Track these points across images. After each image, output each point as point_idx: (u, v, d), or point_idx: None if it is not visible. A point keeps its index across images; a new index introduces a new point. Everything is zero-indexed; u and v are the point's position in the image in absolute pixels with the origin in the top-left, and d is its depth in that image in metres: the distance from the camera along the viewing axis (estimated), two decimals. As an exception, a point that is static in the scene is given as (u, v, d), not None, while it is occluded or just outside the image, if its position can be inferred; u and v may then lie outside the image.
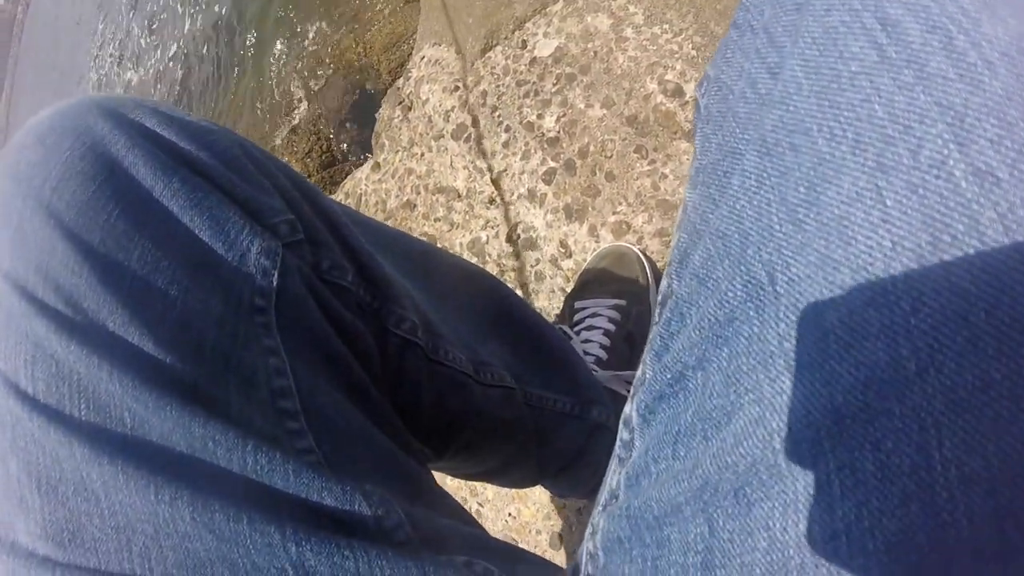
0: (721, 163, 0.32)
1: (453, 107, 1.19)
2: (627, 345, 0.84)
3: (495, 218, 1.05)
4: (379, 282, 0.49)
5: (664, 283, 0.37)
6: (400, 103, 1.32)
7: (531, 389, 0.63)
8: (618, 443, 0.39)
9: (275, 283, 0.38)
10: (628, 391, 0.80)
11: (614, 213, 0.93)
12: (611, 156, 0.95)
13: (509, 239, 1.02)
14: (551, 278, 0.97)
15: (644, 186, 0.91)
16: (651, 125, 0.95)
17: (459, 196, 1.11)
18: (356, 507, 0.36)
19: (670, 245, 0.37)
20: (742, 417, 0.28)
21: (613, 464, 0.39)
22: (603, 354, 0.82)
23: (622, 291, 0.86)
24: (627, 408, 0.38)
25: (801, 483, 0.25)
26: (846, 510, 0.23)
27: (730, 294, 0.30)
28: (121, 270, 0.34)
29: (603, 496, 0.39)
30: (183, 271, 0.35)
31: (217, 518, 0.32)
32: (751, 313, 0.29)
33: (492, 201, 1.06)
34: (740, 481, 0.28)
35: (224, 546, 0.32)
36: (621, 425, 0.38)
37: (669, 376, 0.34)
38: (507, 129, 1.08)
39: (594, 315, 0.85)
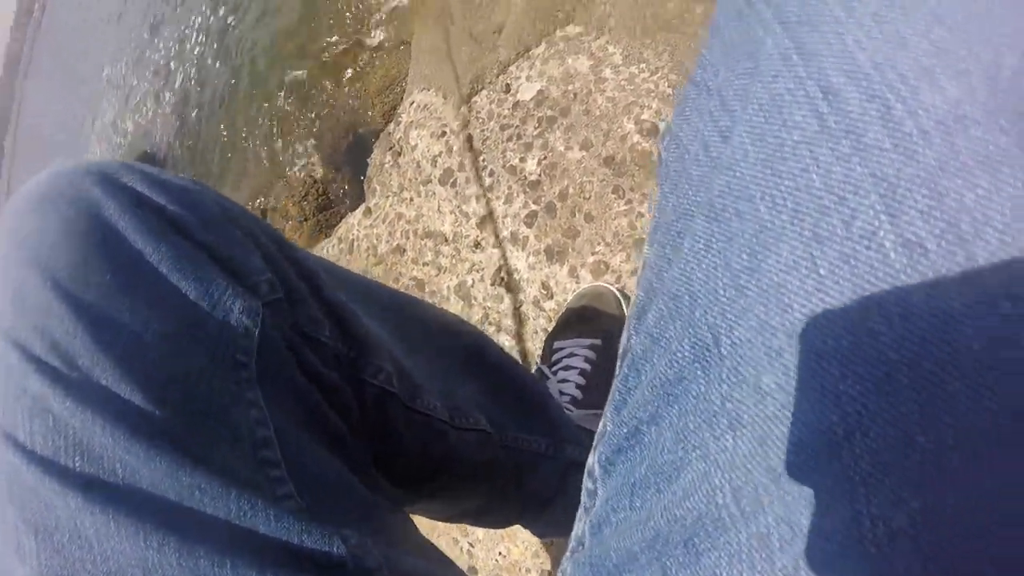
0: (675, 224, 0.33)
1: (440, 152, 1.21)
2: (605, 383, 0.85)
3: (480, 261, 1.07)
4: (355, 334, 0.51)
5: (624, 338, 0.38)
6: (391, 148, 1.35)
7: (507, 431, 0.65)
8: (584, 492, 0.40)
9: (256, 340, 0.41)
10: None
11: (593, 253, 0.94)
12: (589, 197, 0.97)
13: (494, 282, 1.03)
14: (534, 319, 0.98)
15: (621, 226, 0.93)
16: (628, 165, 0.96)
17: (446, 240, 1.13)
18: (335, 549, 0.38)
19: (632, 299, 0.38)
20: (690, 472, 0.29)
21: (580, 512, 0.40)
22: (579, 393, 0.83)
23: (599, 330, 0.87)
24: (590, 459, 0.39)
25: (744, 535, 0.26)
26: (784, 562, 0.24)
27: (679, 354, 0.31)
28: (114, 329, 0.36)
29: (572, 543, 0.40)
30: (171, 329, 0.37)
31: (202, 563, 0.33)
32: (698, 373, 0.30)
33: (477, 245, 1.08)
34: (689, 532, 0.29)
35: None
36: (586, 475, 0.40)
37: (626, 430, 0.35)
38: (491, 173, 1.10)
39: (571, 355, 0.86)
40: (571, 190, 0.99)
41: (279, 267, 0.46)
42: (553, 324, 0.94)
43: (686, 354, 0.31)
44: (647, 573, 0.31)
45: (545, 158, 1.04)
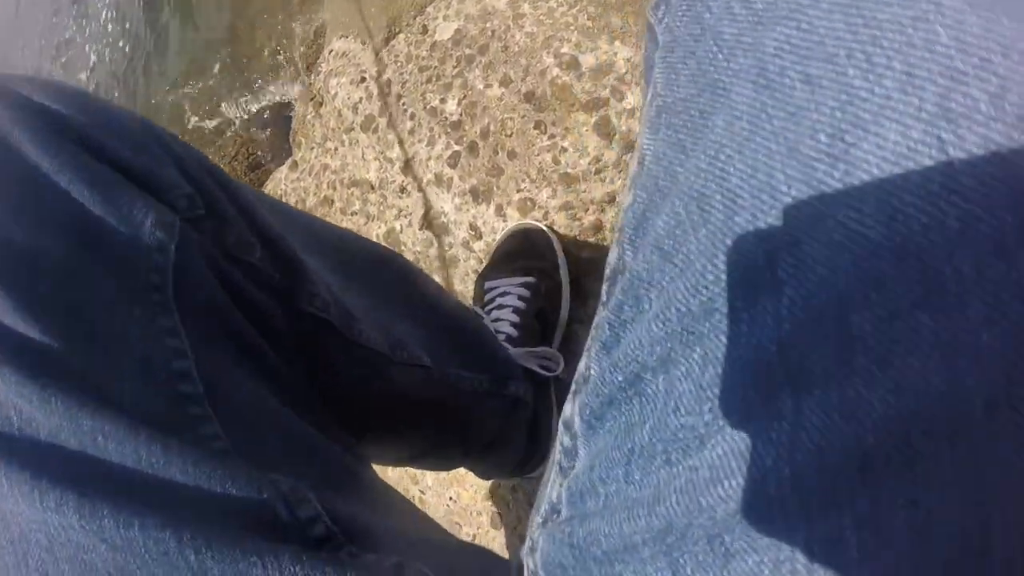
0: (696, 100, 0.26)
1: (361, 99, 1.18)
2: (537, 322, 0.85)
3: (407, 207, 1.05)
4: (289, 260, 0.47)
5: (613, 254, 0.30)
6: (312, 99, 1.31)
7: (447, 368, 0.63)
8: (558, 448, 0.34)
9: (172, 258, 0.36)
10: (542, 367, 0.82)
11: (518, 191, 0.93)
12: (511, 134, 0.95)
13: (422, 226, 1.02)
14: (464, 261, 0.98)
15: (545, 161, 0.92)
16: (548, 99, 0.95)
17: (372, 188, 1.11)
18: (265, 499, 0.33)
19: (621, 205, 0.30)
20: (722, 445, 0.23)
21: (552, 473, 0.35)
22: (514, 331, 0.83)
23: (530, 268, 0.86)
24: (567, 409, 0.34)
25: (802, 538, 0.20)
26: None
27: (708, 276, 0.23)
28: (3, 254, 0.31)
29: (543, 507, 0.35)
30: (71, 251, 0.33)
31: (107, 524, 0.29)
32: (738, 304, 0.22)
33: (403, 190, 1.06)
34: (718, 527, 0.23)
35: (119, 556, 0.29)
36: (561, 427, 0.34)
37: (621, 377, 0.28)
38: (412, 116, 1.07)
39: (503, 293, 0.85)
40: (492, 128, 0.97)
41: (203, 185, 0.41)
42: (483, 265, 0.93)
43: (719, 277, 0.23)
44: (650, 568, 0.25)
45: (465, 97, 1.02)
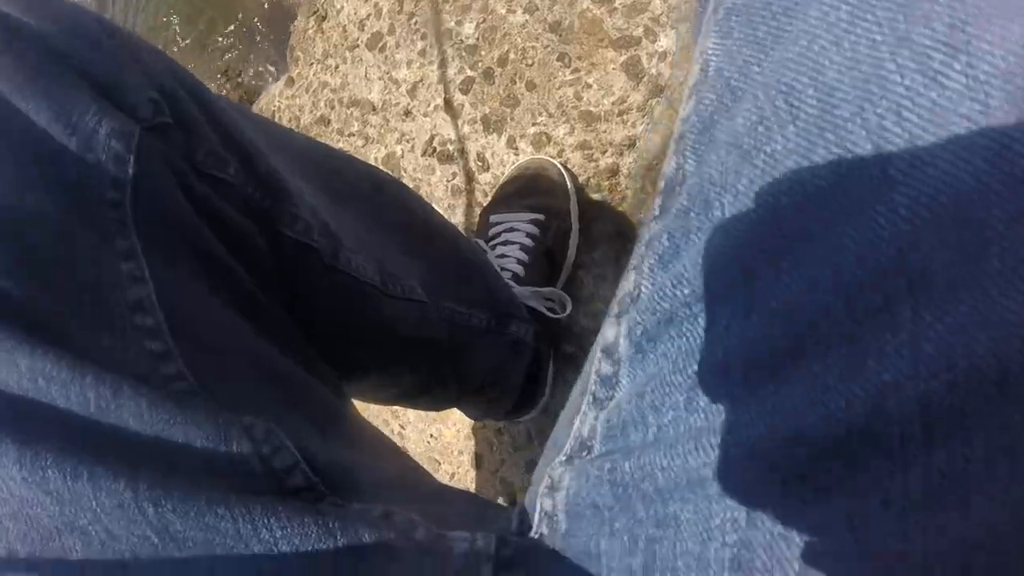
0: None
1: (368, 15, 1.11)
2: (546, 261, 0.81)
3: (411, 131, 0.99)
4: (269, 179, 0.42)
5: (671, 164, 0.28)
6: (314, 13, 1.23)
7: (444, 303, 0.59)
8: (592, 378, 0.31)
9: (131, 172, 0.32)
10: (547, 309, 0.77)
11: (534, 124, 0.88)
12: (532, 64, 0.90)
13: (425, 152, 0.96)
14: (468, 193, 0.93)
15: (566, 96, 0.87)
16: (575, 32, 0.89)
17: (374, 109, 1.04)
18: (235, 447, 0.29)
19: (680, 115, 0.27)
20: (821, 362, 0.21)
21: (584, 404, 0.31)
22: (520, 269, 0.78)
23: (541, 205, 0.82)
24: (609, 333, 0.30)
25: (921, 463, 0.18)
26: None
27: (802, 175, 0.21)
28: None
29: (568, 444, 0.32)
30: (12, 167, 0.29)
31: (51, 475, 0.26)
32: (842, 203, 0.20)
33: (408, 113, 1.00)
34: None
35: (67, 511, 0.26)
36: (600, 354, 0.30)
37: (682, 294, 0.25)
38: (423, 37, 1.01)
39: (511, 229, 0.81)
40: (512, 56, 0.92)
41: (171, 92, 0.36)
42: (489, 198, 0.88)
43: (816, 174, 0.20)
44: (717, 507, 0.23)
45: (484, 21, 0.95)
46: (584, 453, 0.31)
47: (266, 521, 0.28)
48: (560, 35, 0.90)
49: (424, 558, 0.31)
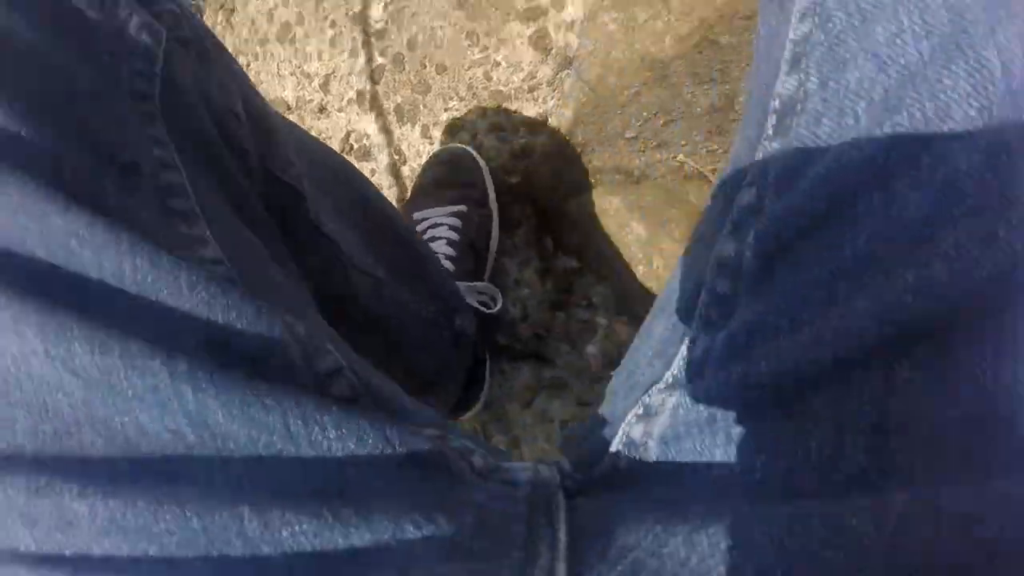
0: None
1: (276, 4, 1.05)
2: (472, 253, 0.78)
3: (327, 128, 0.95)
4: (265, 122, 0.41)
5: (789, 83, 0.27)
6: (222, 7, 1.17)
7: (398, 289, 0.57)
8: (704, 296, 0.28)
9: (160, 67, 0.31)
10: (480, 303, 0.75)
11: (446, 110, 0.84)
12: (441, 45, 0.85)
13: (343, 151, 0.92)
14: (389, 188, 0.89)
15: (476, 76, 0.82)
16: (482, 6, 0.85)
17: (289, 108, 1.00)
18: (280, 340, 0.25)
19: (794, 36, 0.27)
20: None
21: (694, 327, 0.28)
22: (449, 265, 0.76)
23: (461, 196, 0.78)
24: (725, 248, 0.27)
25: None
26: None
27: (945, 82, 0.22)
28: None
29: (670, 371, 0.28)
30: (46, 35, 0.26)
31: (77, 350, 0.22)
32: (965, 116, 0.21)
33: (322, 110, 0.95)
34: None
35: (93, 395, 0.22)
36: (715, 267, 0.28)
37: (820, 203, 0.24)
38: (332, 24, 0.96)
39: (435, 225, 0.78)
40: (421, 38, 0.87)
41: (189, 19, 0.35)
42: (409, 193, 0.85)
43: (959, 82, 0.22)
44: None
45: (391, 2, 0.91)
46: (696, 379, 0.27)
47: (319, 418, 0.24)
48: (467, 10, 0.85)
49: (487, 483, 0.28)
